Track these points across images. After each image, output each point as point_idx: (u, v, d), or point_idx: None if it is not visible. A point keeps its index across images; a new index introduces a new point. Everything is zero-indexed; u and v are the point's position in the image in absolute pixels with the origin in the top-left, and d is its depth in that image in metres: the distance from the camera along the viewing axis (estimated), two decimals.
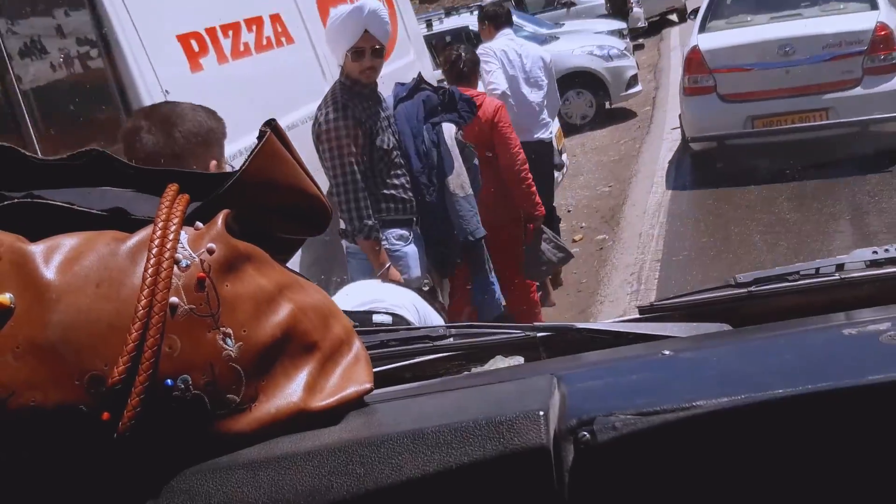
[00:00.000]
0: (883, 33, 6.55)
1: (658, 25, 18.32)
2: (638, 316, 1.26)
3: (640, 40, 17.05)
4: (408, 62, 5.27)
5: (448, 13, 12.27)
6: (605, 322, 1.33)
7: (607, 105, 10.34)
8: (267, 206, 0.80)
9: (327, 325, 0.81)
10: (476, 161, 3.99)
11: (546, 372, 0.81)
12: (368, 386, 0.82)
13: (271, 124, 0.79)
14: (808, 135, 6.73)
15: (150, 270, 0.69)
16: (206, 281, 0.72)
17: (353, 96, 3.49)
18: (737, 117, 6.90)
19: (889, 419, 0.68)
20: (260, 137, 0.78)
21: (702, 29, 7.64)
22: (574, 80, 10.25)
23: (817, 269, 1.22)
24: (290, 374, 0.77)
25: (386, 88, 3.88)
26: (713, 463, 0.70)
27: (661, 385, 0.80)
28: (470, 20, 10.92)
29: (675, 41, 15.89)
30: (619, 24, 13.04)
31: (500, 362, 1.16)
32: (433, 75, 6.40)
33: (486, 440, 0.69)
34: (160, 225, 0.72)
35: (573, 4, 15.93)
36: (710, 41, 7.28)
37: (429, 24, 10.36)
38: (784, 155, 6.50)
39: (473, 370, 1.18)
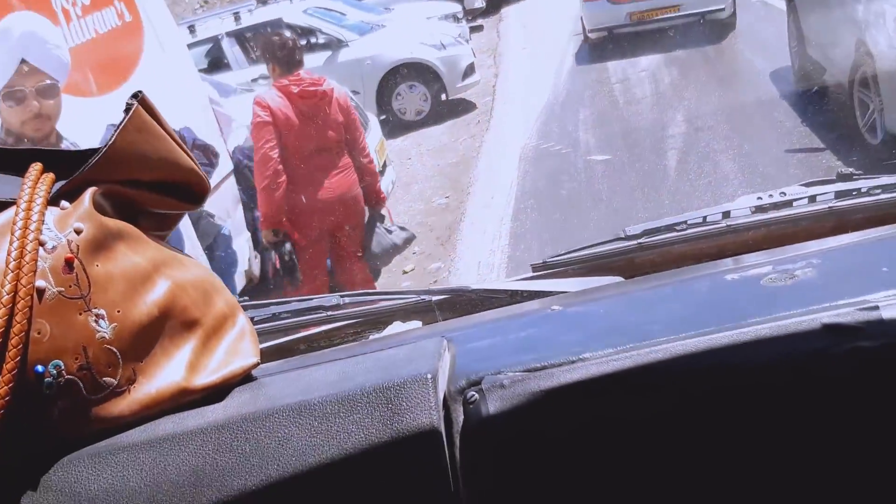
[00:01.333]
0: None
1: (497, 3, 17.57)
2: (532, 274, 1.26)
3: (479, 21, 16.25)
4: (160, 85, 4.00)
5: (261, 2, 11.02)
6: (499, 281, 1.37)
7: (444, 97, 9.39)
8: (139, 181, 0.76)
9: (209, 301, 0.79)
10: None
11: (438, 334, 0.84)
12: (254, 360, 0.81)
13: (138, 96, 0.75)
14: (664, 23, 10.10)
15: (13, 254, 0.67)
16: (75, 262, 0.69)
17: None
18: (619, 14, 10.36)
19: (769, 356, 0.69)
20: (126, 110, 0.74)
21: None
22: (405, 73, 9.25)
23: (704, 218, 1.25)
24: (171, 353, 0.75)
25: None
26: (602, 415, 0.70)
27: (549, 340, 0.83)
28: (287, 10, 9.74)
29: (515, 21, 15.14)
30: (453, 7, 12.12)
31: (397, 327, 1.14)
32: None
33: (373, 407, 0.69)
34: (23, 206, 0.69)
35: None
36: None
37: (237, 17, 9.12)
38: (650, 38, 9.85)
39: (371, 337, 1.16)
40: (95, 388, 0.70)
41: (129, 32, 3.47)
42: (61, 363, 0.68)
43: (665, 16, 10.07)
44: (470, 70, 9.50)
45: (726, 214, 1.26)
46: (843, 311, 0.71)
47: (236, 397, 0.76)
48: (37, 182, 0.72)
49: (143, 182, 0.77)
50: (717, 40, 9.47)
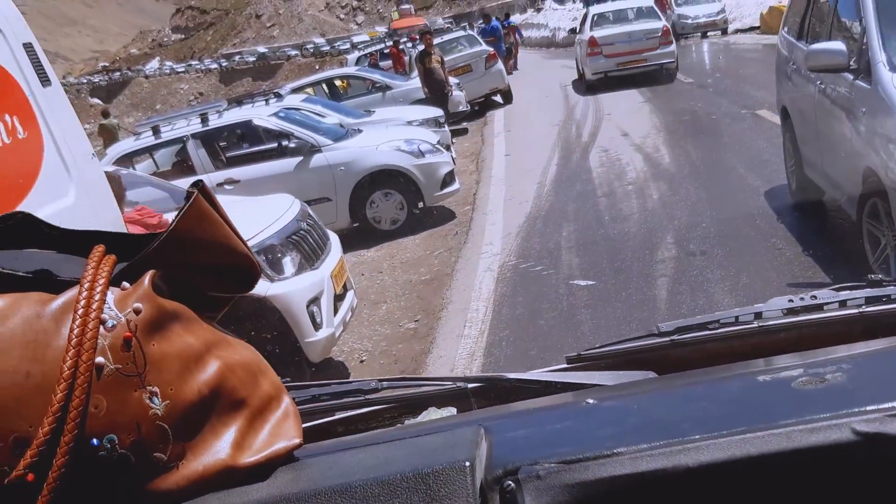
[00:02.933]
0: (665, 28, 16.84)
1: (483, 107, 17.40)
2: (566, 365, 1.28)
3: (464, 124, 16.01)
4: (63, 207, 3.32)
5: (235, 102, 10.64)
6: (535, 371, 1.29)
7: (421, 205, 8.90)
8: (195, 265, 0.80)
9: (256, 382, 0.82)
10: None
11: (475, 422, 0.86)
12: (297, 441, 0.83)
13: (198, 185, 0.79)
14: (643, 69, 16.52)
15: (75, 331, 0.70)
16: (133, 340, 0.73)
17: None
18: (611, 63, 16.64)
19: (798, 459, 0.72)
20: (187, 198, 0.78)
21: (591, 28, 17.26)
22: (381, 181, 8.77)
23: (737, 318, 1.28)
24: (218, 432, 0.78)
25: None
26: None
27: (584, 433, 0.85)
28: (258, 111, 9.32)
29: (499, 125, 14.89)
30: (434, 112, 11.76)
31: (433, 414, 1.16)
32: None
33: (412, 492, 0.71)
34: (86, 286, 0.73)
35: (388, 88, 14.65)
36: (597, 33, 16.82)
37: (204, 119, 8.67)
38: (630, 79, 16.19)
39: (406, 422, 1.17)
40: (147, 464, 0.73)
41: (21, 150, 2.92)
42: (115, 438, 0.71)
43: (639, 65, 16.70)
44: (449, 179, 9.04)
45: (758, 315, 1.27)
46: (872, 417, 0.73)
47: (280, 477, 0.79)
48: (100, 263, 0.76)
49: (200, 266, 0.80)
50: (670, 80, 16.27)
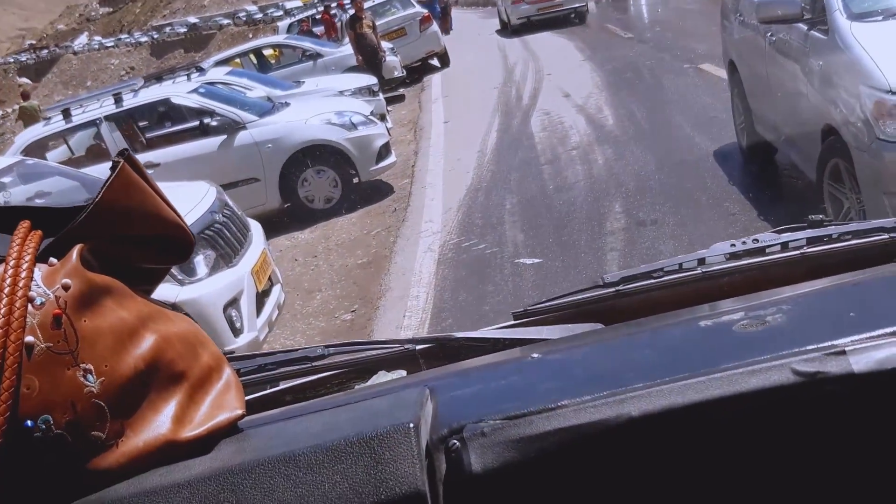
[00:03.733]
0: None
1: (419, 72, 16.84)
2: (513, 322, 1.29)
3: (401, 90, 15.46)
4: None
5: (153, 79, 9.99)
6: (483, 330, 1.27)
7: (356, 181, 8.41)
8: (126, 236, 0.79)
9: (195, 354, 0.81)
10: None
11: (421, 383, 0.87)
12: (240, 412, 0.82)
13: (124, 154, 0.78)
14: (559, 13, 19.58)
15: (2, 310, 0.68)
16: (63, 317, 0.71)
17: None
18: (532, 9, 19.58)
19: (741, 402, 0.73)
20: (113, 168, 0.77)
21: None
22: (312, 156, 8.25)
23: (680, 265, 1.29)
24: (158, 406, 0.77)
25: None
26: (581, 460, 0.74)
27: (529, 388, 0.85)
28: (178, 87, 8.70)
29: (437, 91, 14.38)
30: (367, 80, 11.22)
31: (383, 377, 1.16)
32: None
33: (357, 457, 0.72)
34: (11, 263, 0.71)
35: (319, 56, 14.01)
36: None
37: (118, 99, 8.04)
38: (551, 22, 19.21)
39: (356, 387, 1.17)
40: (84, 443, 0.72)
41: None
42: (50, 418, 0.70)
43: (558, 9, 19.75)
44: (385, 151, 8.55)
45: (701, 261, 1.29)
46: (812, 357, 0.75)
47: (223, 449, 0.78)
48: (25, 239, 0.74)
49: (130, 237, 0.78)
50: (581, 22, 19.66)
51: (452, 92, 13.92)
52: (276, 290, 4.92)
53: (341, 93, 10.50)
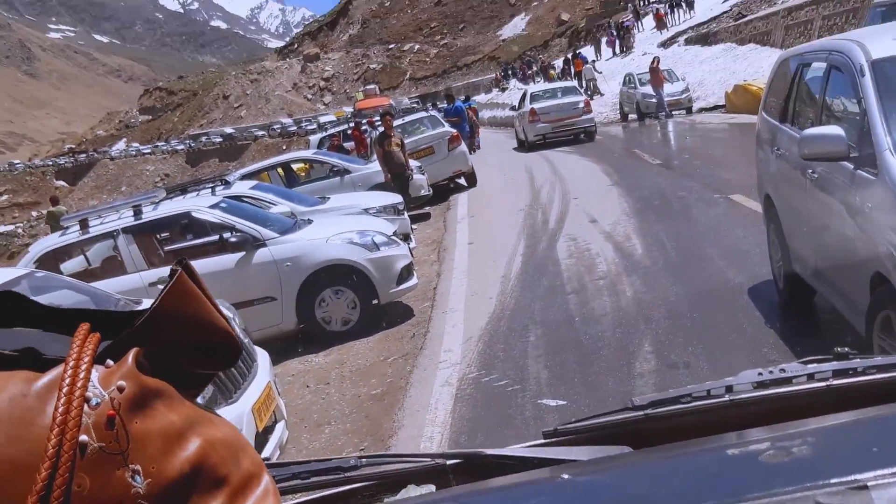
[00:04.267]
0: (586, 101, 23.75)
1: (446, 191, 16.85)
2: (543, 441, 1.31)
3: (427, 209, 15.42)
4: None
5: (177, 191, 9.93)
6: (512, 447, 1.28)
7: (375, 303, 8.16)
8: (178, 342, 0.80)
9: (237, 459, 0.82)
10: None
11: (451, 499, 0.97)
12: None
13: (182, 262, 0.80)
14: (571, 131, 22.69)
15: (60, 409, 0.71)
16: (116, 418, 0.73)
17: None
18: (547, 128, 22.53)
19: None
20: (171, 275, 0.79)
21: (530, 102, 23.22)
22: (331, 277, 8.03)
23: (708, 391, 1.30)
24: None
25: None
26: None
27: None
28: (200, 201, 8.61)
29: (462, 211, 14.29)
30: (393, 198, 11.13)
31: (412, 491, 1.19)
32: None
33: None
34: (71, 364, 0.74)
35: (347, 172, 14.04)
36: (536, 105, 22.79)
37: (137, 211, 7.94)
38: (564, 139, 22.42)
39: (385, 500, 1.20)
40: None
41: None
42: None
43: (569, 127, 22.51)
44: (406, 273, 8.33)
45: (729, 389, 1.30)
46: (834, 490, 0.77)
47: None
48: (84, 341, 0.76)
49: (182, 343, 0.80)
50: (591, 140, 22.64)
51: (478, 212, 13.82)
52: (280, 427, 4.59)
53: (366, 210, 10.39)
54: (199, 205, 8.33)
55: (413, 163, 14.54)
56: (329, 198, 11.23)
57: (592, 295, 7.49)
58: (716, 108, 25.58)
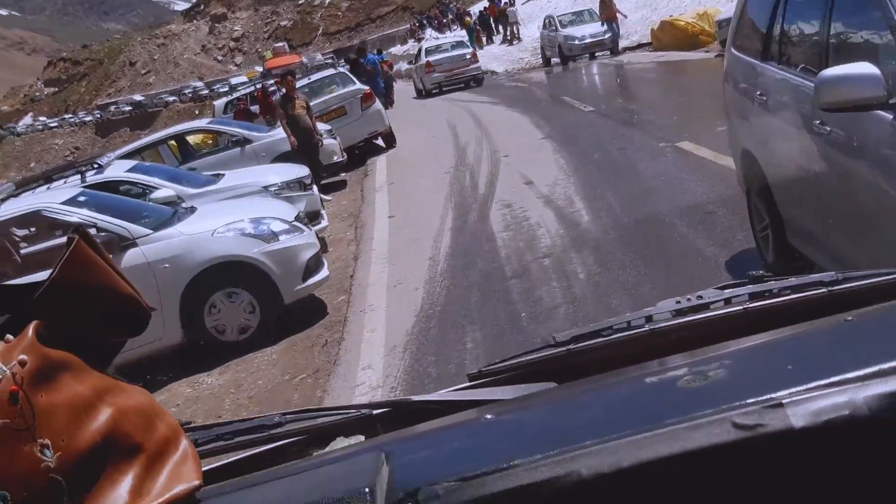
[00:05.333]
0: (473, 52, 26.88)
1: (363, 153, 15.38)
2: (469, 384, 1.31)
3: (342, 175, 13.96)
4: None
5: (40, 181, 8.32)
6: (438, 392, 1.30)
7: (278, 304, 6.76)
8: (81, 311, 0.80)
9: (151, 426, 0.83)
10: None
11: (377, 448, 0.92)
12: (197, 483, 0.84)
13: (80, 231, 0.81)
14: (461, 78, 25.50)
15: None
16: (19, 393, 0.73)
17: None
18: (441, 77, 25.28)
19: (685, 456, 0.77)
20: (68, 244, 0.79)
21: (426, 56, 26.47)
22: (222, 276, 6.61)
23: (628, 323, 1.32)
24: (115, 479, 0.78)
25: None
26: None
27: (483, 449, 0.90)
28: (48, 199, 7.04)
29: (381, 177, 12.88)
30: (298, 171, 9.63)
31: (341, 443, 1.18)
32: None
33: None
34: None
35: (248, 142, 12.45)
36: (431, 58, 25.95)
37: None
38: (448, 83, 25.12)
39: (314, 454, 1.17)
40: None
41: None
42: (7, 494, 0.71)
43: (459, 75, 25.24)
44: (315, 264, 6.95)
45: (648, 319, 1.32)
46: (750, 410, 0.79)
47: None
48: None
49: (85, 312, 0.79)
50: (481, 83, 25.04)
51: (399, 178, 12.43)
52: None
53: (266, 189, 8.92)
54: (51, 201, 6.77)
55: (322, 126, 13.03)
56: (224, 174, 9.68)
57: (538, 279, 6.23)
58: (639, 46, 24.52)
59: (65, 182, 8.47)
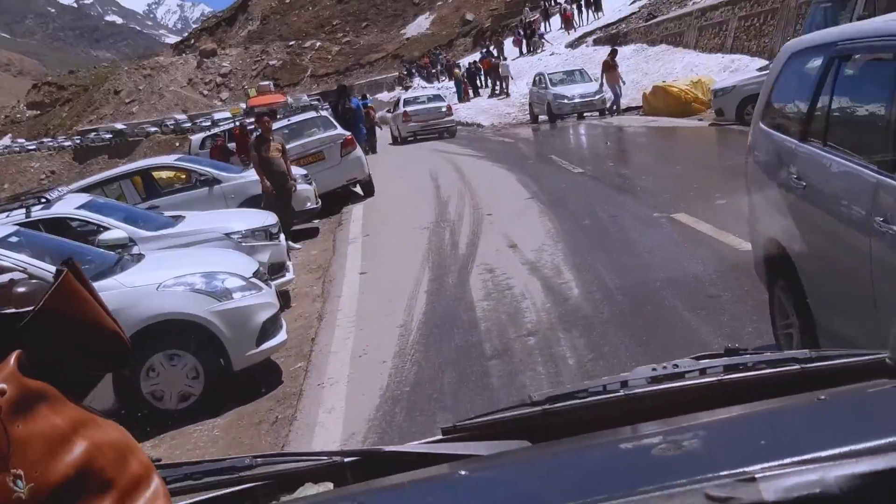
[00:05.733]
0: (448, 106, 27.40)
1: (338, 200, 14.68)
2: (442, 437, 1.30)
3: (315, 222, 13.24)
4: None
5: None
6: (411, 444, 1.31)
7: (225, 370, 5.98)
8: (65, 343, 0.80)
9: (124, 462, 0.83)
10: None
11: (349, 498, 0.98)
12: None
13: (68, 263, 0.82)
14: (435, 129, 26.06)
15: None
16: None
17: None
18: (417, 126, 25.93)
19: None
20: (56, 276, 0.80)
21: (404, 106, 27.18)
22: (163, 336, 5.83)
23: (604, 387, 1.32)
24: None
25: None
26: None
27: None
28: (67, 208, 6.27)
29: (356, 227, 12.16)
30: (264, 219, 8.90)
31: (309, 489, 1.17)
32: None
33: None
34: None
35: (217, 182, 11.72)
36: (408, 108, 26.63)
37: None
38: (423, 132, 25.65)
39: (282, 499, 1.18)
40: None
41: None
42: None
43: (434, 126, 25.99)
44: (271, 327, 6.20)
45: (624, 384, 1.32)
46: (724, 482, 0.80)
47: None
48: None
49: (69, 344, 0.79)
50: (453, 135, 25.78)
51: (374, 230, 11.72)
52: None
53: (228, 236, 8.18)
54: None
55: (298, 170, 12.34)
56: (184, 217, 8.92)
57: (522, 362, 5.51)
58: (629, 109, 24.22)
59: (7, 216, 7.72)
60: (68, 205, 8.16)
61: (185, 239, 7.97)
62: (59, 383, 0.79)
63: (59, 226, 7.97)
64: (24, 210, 7.77)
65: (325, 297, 8.52)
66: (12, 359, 0.76)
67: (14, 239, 6.06)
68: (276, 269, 8.31)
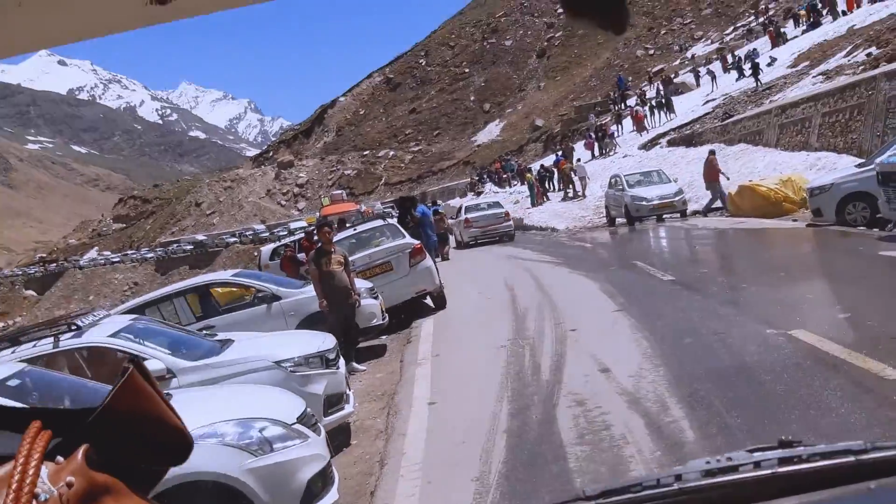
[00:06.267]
0: (506, 212, 29.80)
1: (409, 311, 13.71)
2: None
3: (383, 338, 12.25)
4: None
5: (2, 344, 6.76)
6: None
7: None
8: (130, 438, 0.82)
9: None
10: None
11: None
12: None
13: (134, 361, 0.82)
14: (495, 234, 28.57)
15: None
16: None
17: None
18: (478, 232, 28.70)
19: None
20: (122, 373, 0.81)
21: (465, 213, 30.29)
22: (189, 499, 4.77)
23: (658, 480, 1.32)
24: None
25: None
26: None
27: None
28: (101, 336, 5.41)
29: (425, 346, 11.07)
30: (321, 343, 7.91)
31: None
32: None
33: None
34: (20, 461, 0.74)
35: (276, 298, 10.86)
36: (469, 216, 29.59)
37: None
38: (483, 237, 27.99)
39: None
40: None
41: None
42: None
43: (493, 231, 28.47)
44: (320, 484, 5.10)
45: (678, 477, 1.31)
46: None
47: None
48: (35, 439, 0.76)
49: (134, 439, 0.81)
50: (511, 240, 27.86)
51: (445, 348, 10.63)
52: None
53: (278, 364, 7.19)
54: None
55: (363, 283, 11.47)
56: (233, 341, 7.99)
57: None
58: (711, 210, 22.99)
59: (34, 345, 6.92)
60: (102, 332, 7.31)
61: (230, 369, 7.01)
62: (125, 477, 0.79)
63: (100, 351, 7.16)
64: (52, 338, 6.97)
65: (388, 433, 7.40)
66: (80, 453, 0.77)
67: (17, 381, 5.14)
68: (333, 401, 7.29)
